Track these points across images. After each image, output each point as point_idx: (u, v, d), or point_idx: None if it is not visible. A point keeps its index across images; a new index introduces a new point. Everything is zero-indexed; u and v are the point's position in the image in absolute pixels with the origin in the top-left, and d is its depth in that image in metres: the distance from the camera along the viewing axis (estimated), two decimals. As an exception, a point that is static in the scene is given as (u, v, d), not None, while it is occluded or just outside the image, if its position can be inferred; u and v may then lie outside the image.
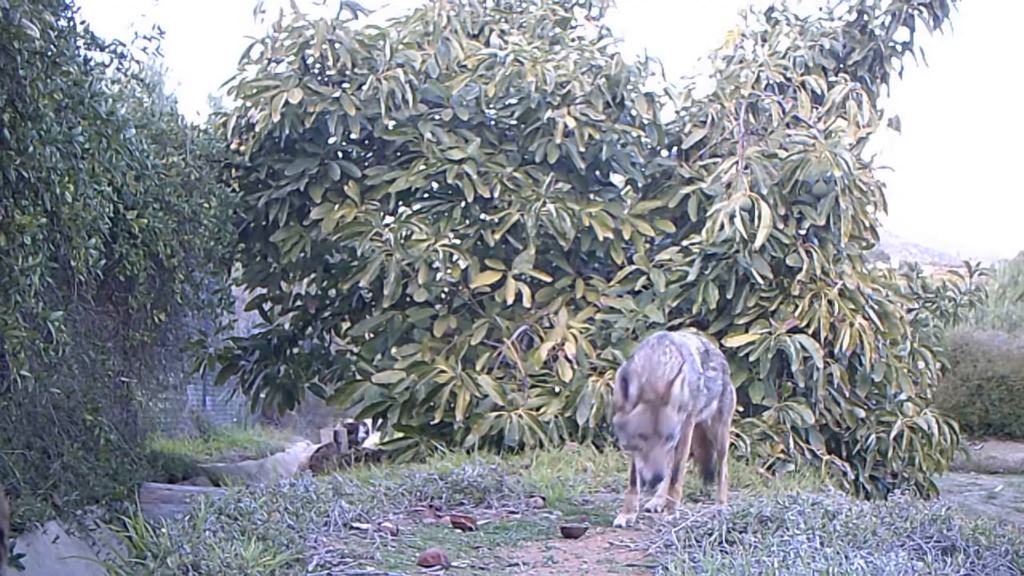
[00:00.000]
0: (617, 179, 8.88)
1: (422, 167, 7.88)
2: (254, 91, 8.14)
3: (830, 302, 7.29)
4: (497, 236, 7.84)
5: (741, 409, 7.21)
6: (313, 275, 9.15)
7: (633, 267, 7.96)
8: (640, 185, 8.64)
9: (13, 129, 4.58)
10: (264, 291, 9.21)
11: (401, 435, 7.69)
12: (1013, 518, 7.95)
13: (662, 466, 4.11)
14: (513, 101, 8.32)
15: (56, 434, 5.65)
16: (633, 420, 4.16)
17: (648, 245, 8.37)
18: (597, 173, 8.61)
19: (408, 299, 7.77)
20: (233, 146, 8.40)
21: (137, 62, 6.20)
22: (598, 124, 7.95)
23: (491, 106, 8.41)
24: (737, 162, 7.68)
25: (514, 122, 8.42)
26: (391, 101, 7.86)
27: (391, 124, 8.24)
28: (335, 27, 8.13)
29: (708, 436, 4.85)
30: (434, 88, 8.27)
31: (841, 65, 9.00)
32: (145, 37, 6.10)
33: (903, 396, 7.86)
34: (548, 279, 7.95)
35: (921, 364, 8.39)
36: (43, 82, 4.64)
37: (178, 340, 8.19)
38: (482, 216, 8.08)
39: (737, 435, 6.84)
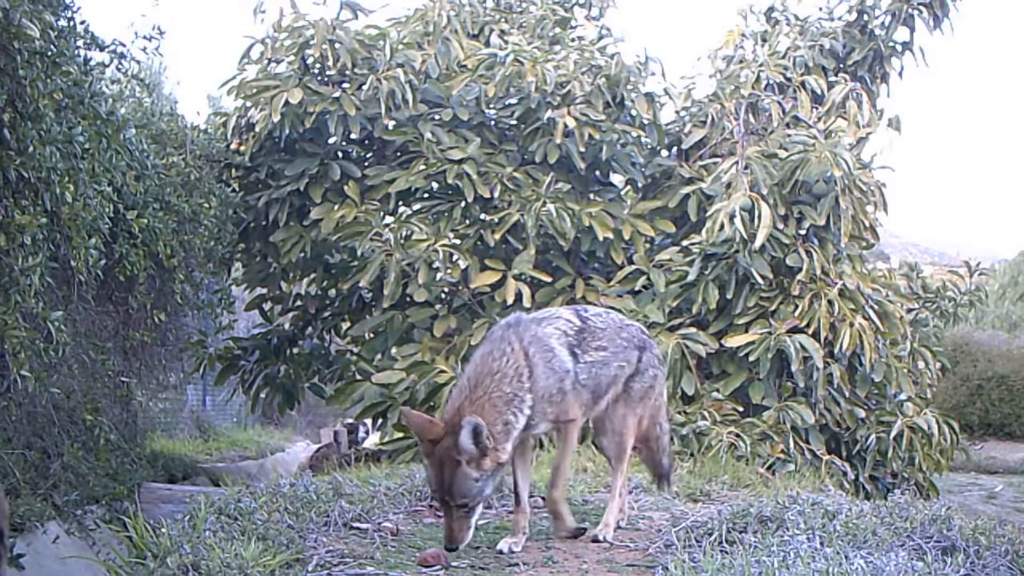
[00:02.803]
0: (617, 179, 8.88)
1: (422, 167, 7.88)
2: (254, 91, 8.14)
3: (830, 302, 7.29)
4: (497, 236, 7.83)
5: (741, 409, 7.22)
6: (313, 275, 9.15)
7: (633, 267, 7.96)
8: (640, 185, 8.64)
9: (13, 129, 4.58)
10: (264, 291, 9.21)
11: (401, 435, 7.69)
12: (1013, 518, 7.94)
13: (459, 537, 3.47)
14: (513, 101, 8.32)
15: (56, 434, 5.65)
16: (427, 473, 3.56)
17: (648, 245, 8.37)
18: (597, 173, 8.61)
19: (408, 299, 7.77)
20: (233, 146, 8.40)
21: (137, 62, 6.21)
22: (598, 124, 7.94)
23: (491, 106, 8.41)
24: (737, 162, 7.68)
25: (514, 122, 8.42)
26: (391, 101, 7.86)
27: (391, 124, 8.24)
28: (335, 27, 8.13)
29: (613, 424, 4.04)
30: (434, 88, 8.27)
31: (841, 65, 8.99)
32: (145, 37, 6.10)
33: (903, 396, 7.87)
34: (548, 279, 7.95)
35: (921, 364, 8.40)
36: (43, 82, 4.64)
37: (178, 340, 8.19)
38: (482, 216, 8.07)
39: (737, 435, 6.84)
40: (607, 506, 4.09)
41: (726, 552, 3.37)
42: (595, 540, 3.91)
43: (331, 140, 8.44)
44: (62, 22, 5.07)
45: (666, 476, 4.43)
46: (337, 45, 8.03)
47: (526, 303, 7.74)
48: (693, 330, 7.44)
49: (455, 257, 7.82)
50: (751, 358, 7.21)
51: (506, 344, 3.62)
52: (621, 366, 3.96)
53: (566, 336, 3.78)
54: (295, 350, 9.33)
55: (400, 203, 8.43)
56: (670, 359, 7.23)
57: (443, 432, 3.44)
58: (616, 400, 3.99)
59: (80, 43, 5.39)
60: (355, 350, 9.00)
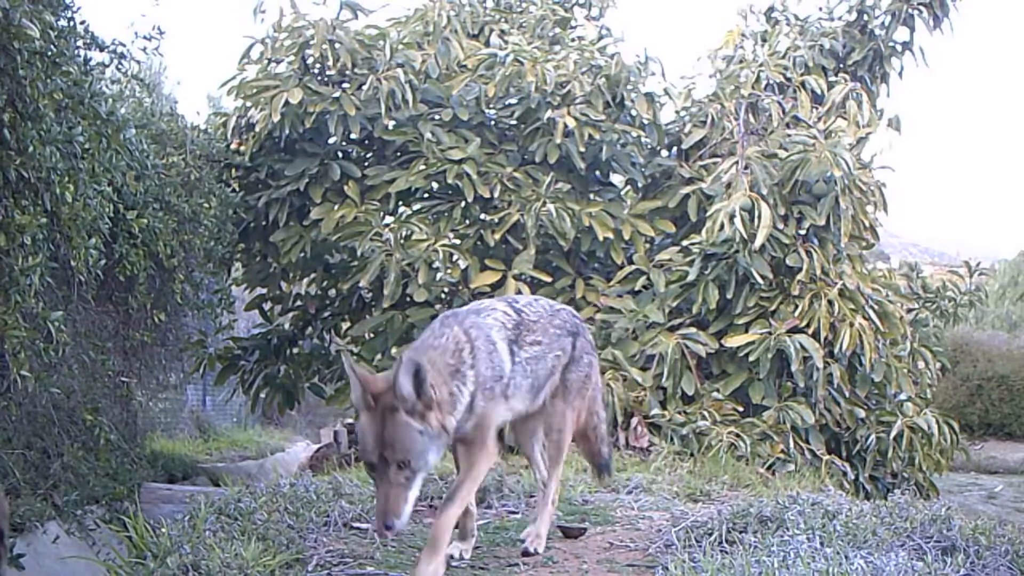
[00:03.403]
0: (617, 179, 8.88)
1: (422, 167, 7.88)
2: (254, 91, 8.14)
3: (830, 302, 7.29)
4: (497, 236, 7.84)
5: (741, 409, 7.21)
6: (313, 275, 9.14)
7: (633, 267, 7.96)
8: (640, 185, 8.64)
9: (13, 129, 4.58)
10: (264, 291, 9.21)
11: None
12: (1013, 518, 7.94)
13: (395, 509, 2.93)
14: (513, 101, 8.32)
15: (56, 434, 5.65)
16: (360, 432, 3.07)
17: (648, 245, 8.37)
18: (597, 173, 8.61)
19: (408, 299, 7.77)
20: (233, 146, 8.41)
21: (137, 62, 6.21)
22: (598, 124, 7.95)
23: (491, 106, 8.41)
24: (737, 162, 7.68)
25: (514, 122, 8.42)
26: (391, 101, 7.86)
27: (391, 124, 8.24)
28: (335, 27, 8.13)
29: (552, 422, 3.75)
30: (434, 88, 8.27)
31: (841, 65, 9.00)
32: (145, 37, 6.10)
33: (903, 396, 7.86)
34: (548, 279, 7.95)
35: (921, 364, 8.40)
36: (43, 82, 4.64)
37: (178, 340, 8.19)
38: (482, 216, 8.08)
39: (737, 435, 6.84)
40: (537, 513, 3.76)
41: (726, 552, 3.37)
42: (525, 553, 3.61)
43: (331, 140, 8.44)
44: (62, 22, 5.07)
45: (606, 467, 4.13)
46: (337, 45, 8.03)
47: (526, 303, 7.74)
48: (693, 330, 7.44)
49: (455, 257, 7.82)
50: (751, 358, 7.21)
51: (447, 328, 3.31)
52: (557, 356, 3.65)
53: (506, 329, 3.45)
54: (295, 350, 9.32)
55: (400, 203, 8.43)
56: (670, 359, 7.23)
57: (385, 387, 3.03)
58: (554, 395, 3.69)
59: (80, 43, 5.39)
60: (355, 350, 9.00)
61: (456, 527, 3.56)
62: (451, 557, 3.45)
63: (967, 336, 18.15)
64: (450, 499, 3.25)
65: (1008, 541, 3.33)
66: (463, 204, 7.96)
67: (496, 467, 5.11)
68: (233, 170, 8.52)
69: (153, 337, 6.91)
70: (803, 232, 7.61)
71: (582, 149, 7.87)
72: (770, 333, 7.21)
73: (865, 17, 9.05)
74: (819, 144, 7.43)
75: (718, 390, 7.30)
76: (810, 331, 7.21)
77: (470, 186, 7.76)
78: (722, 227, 7.21)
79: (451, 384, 3.16)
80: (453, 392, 3.16)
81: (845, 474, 7.21)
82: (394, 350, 8.08)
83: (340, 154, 8.47)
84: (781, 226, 7.41)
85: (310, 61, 8.18)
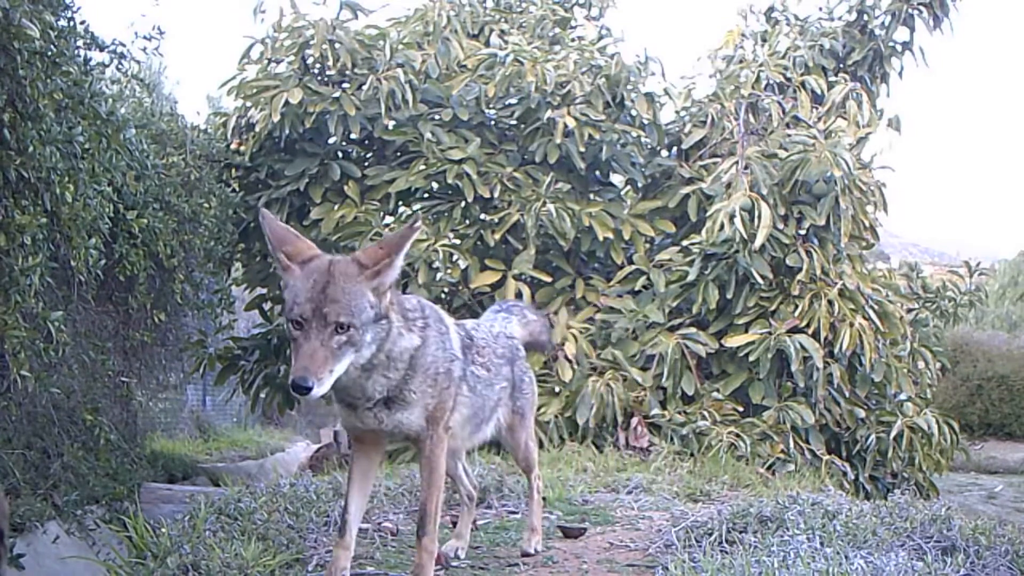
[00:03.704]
0: (617, 179, 8.88)
1: (422, 167, 7.88)
2: (254, 91, 8.14)
3: (830, 302, 7.29)
4: (497, 236, 7.83)
5: (741, 409, 7.21)
6: (313, 275, 9.12)
7: (633, 267, 7.96)
8: (640, 185, 8.64)
9: (13, 129, 4.57)
10: (264, 291, 9.20)
11: (401, 435, 7.67)
12: (1013, 518, 7.94)
13: (317, 370, 2.51)
14: (513, 101, 8.32)
15: (56, 434, 5.65)
16: (292, 286, 2.66)
17: (648, 245, 8.37)
18: (597, 173, 8.61)
19: (408, 299, 7.76)
20: (233, 146, 8.41)
21: (137, 62, 6.21)
22: (598, 124, 7.95)
23: (491, 106, 8.41)
24: (737, 162, 7.68)
25: (514, 122, 8.42)
26: (391, 101, 7.86)
27: (391, 124, 8.24)
28: (335, 27, 8.14)
29: (517, 453, 3.68)
30: (434, 88, 8.27)
31: (841, 65, 9.00)
32: (145, 37, 6.10)
33: (903, 396, 7.87)
34: (548, 279, 7.95)
35: (921, 364, 8.40)
36: (43, 82, 4.64)
37: (178, 340, 8.19)
38: (482, 216, 8.08)
39: (737, 435, 6.84)
40: (529, 512, 3.75)
41: (726, 552, 3.37)
42: (525, 553, 3.59)
43: (331, 140, 8.44)
44: (62, 22, 5.07)
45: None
46: (337, 45, 8.03)
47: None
48: (693, 330, 7.44)
49: (455, 257, 7.82)
50: (751, 358, 7.21)
51: (408, 294, 3.12)
52: (504, 387, 3.45)
53: (458, 332, 3.16)
54: (295, 350, 9.30)
55: (400, 203, 8.43)
56: (670, 359, 7.23)
57: (316, 255, 2.73)
58: (511, 428, 3.56)
59: (80, 43, 5.39)
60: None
61: (453, 525, 3.61)
62: (448, 558, 3.46)
63: (967, 336, 18.16)
64: (423, 527, 2.98)
65: (1008, 541, 3.33)
66: (463, 204, 7.96)
67: (496, 467, 5.11)
68: (233, 170, 8.52)
69: (153, 337, 6.91)
70: (803, 232, 7.62)
71: (582, 149, 7.87)
72: (770, 333, 7.22)
73: (865, 17, 9.05)
74: (819, 144, 7.43)
75: (718, 390, 7.30)
76: (810, 331, 7.21)
77: (470, 186, 7.75)
78: (722, 227, 7.21)
79: (405, 323, 2.85)
80: (396, 323, 2.79)
81: (845, 474, 7.22)
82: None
83: (340, 154, 8.47)
84: (781, 226, 7.42)
85: (310, 61, 8.19)
